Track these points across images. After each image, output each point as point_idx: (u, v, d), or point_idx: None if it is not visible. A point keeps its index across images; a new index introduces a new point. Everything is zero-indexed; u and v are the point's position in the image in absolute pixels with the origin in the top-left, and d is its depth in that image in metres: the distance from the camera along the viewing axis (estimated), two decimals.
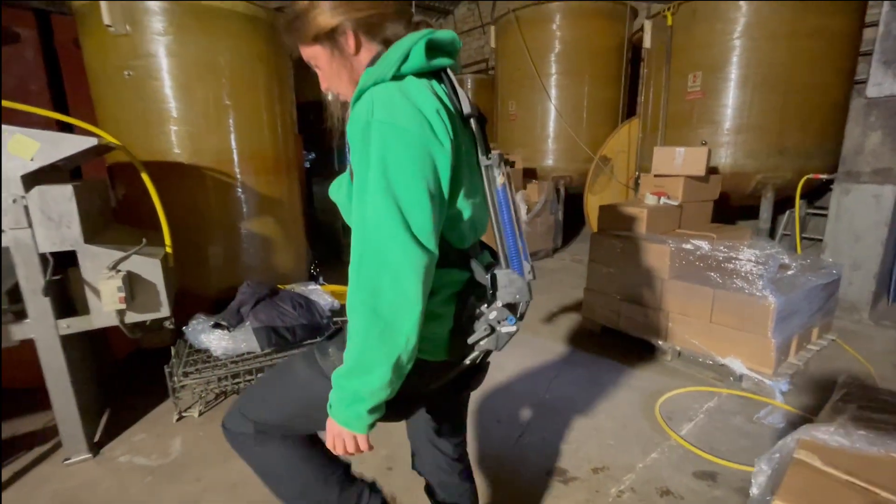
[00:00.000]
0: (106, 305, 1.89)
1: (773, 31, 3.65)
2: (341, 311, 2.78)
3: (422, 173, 0.75)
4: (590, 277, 3.19)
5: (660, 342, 2.75)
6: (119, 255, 1.95)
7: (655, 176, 3.22)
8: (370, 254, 0.74)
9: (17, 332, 1.86)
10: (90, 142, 1.89)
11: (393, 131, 0.75)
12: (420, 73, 0.83)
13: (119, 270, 1.92)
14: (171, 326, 2.29)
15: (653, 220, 2.80)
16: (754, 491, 0.93)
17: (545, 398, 2.43)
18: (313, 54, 0.91)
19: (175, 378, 2.21)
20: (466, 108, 0.85)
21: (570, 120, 5.44)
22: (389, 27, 0.88)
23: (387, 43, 0.87)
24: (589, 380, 2.61)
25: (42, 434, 2.20)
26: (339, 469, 1.13)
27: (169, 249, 2.26)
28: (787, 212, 4.04)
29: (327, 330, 2.59)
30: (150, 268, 2.03)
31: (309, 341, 2.46)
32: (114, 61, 2.80)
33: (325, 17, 0.85)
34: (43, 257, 1.82)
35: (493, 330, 0.86)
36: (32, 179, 1.80)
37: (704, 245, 2.50)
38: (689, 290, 2.59)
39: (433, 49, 0.84)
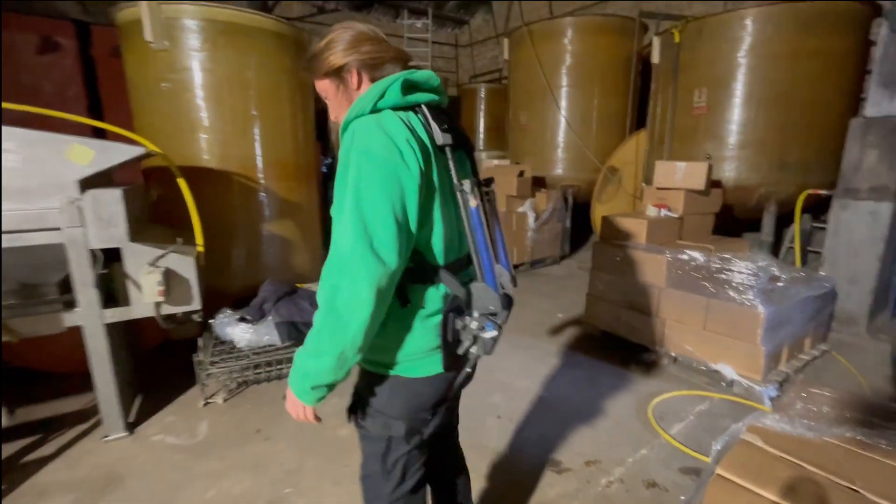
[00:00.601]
0: (146, 297, 2.10)
1: (776, 50, 3.77)
2: None
3: (388, 196, 0.87)
4: (591, 284, 3.33)
5: (656, 347, 2.88)
6: (158, 252, 2.16)
7: (657, 189, 3.36)
8: (336, 259, 0.88)
9: (68, 319, 2.07)
10: (139, 150, 2.11)
11: (367, 157, 0.88)
12: (398, 108, 0.96)
13: (158, 266, 2.13)
14: (199, 319, 2.50)
15: (652, 232, 2.94)
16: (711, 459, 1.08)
17: (544, 396, 2.58)
18: (324, 87, 1.08)
19: (203, 367, 2.41)
20: (439, 140, 0.96)
21: (579, 131, 5.58)
22: (388, 67, 1.04)
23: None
24: (587, 381, 2.75)
25: (81, 414, 2.42)
26: None
27: (201, 249, 2.47)
28: (791, 225, 4.14)
29: None
30: (184, 265, 2.24)
31: None
32: (153, 74, 3.04)
33: (336, 56, 1.02)
34: (93, 253, 2.04)
35: (475, 338, 0.97)
36: (86, 183, 2.02)
37: (699, 256, 2.63)
38: (684, 298, 2.72)
39: (411, 87, 0.99)
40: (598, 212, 5.56)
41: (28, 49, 4.85)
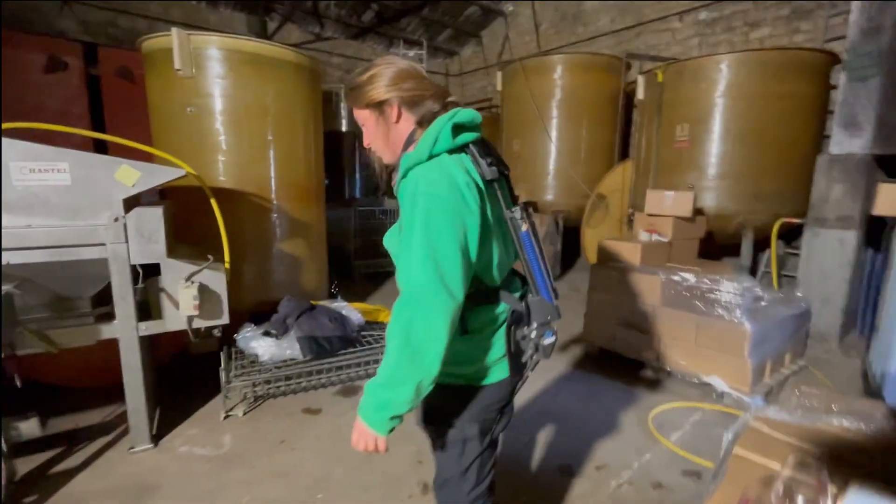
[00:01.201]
0: (184, 311, 2.20)
1: (750, 92, 4.17)
2: (368, 326, 3.10)
3: (455, 235, 0.96)
4: (589, 304, 3.54)
5: (652, 362, 3.09)
6: (194, 268, 2.27)
7: (648, 215, 3.63)
8: (411, 295, 0.95)
9: (106, 331, 2.15)
10: (179, 172, 2.24)
11: (434, 200, 0.97)
12: (451, 150, 1.06)
13: (193, 282, 2.24)
14: (218, 334, 2.60)
15: (646, 255, 3.19)
16: (723, 447, 1.26)
17: (550, 409, 2.74)
18: (364, 117, 1.15)
19: (227, 379, 2.49)
20: (488, 176, 1.06)
21: (569, 159, 5.91)
22: (428, 104, 1.11)
23: (423, 118, 1.11)
24: (588, 394, 2.92)
25: (102, 427, 2.46)
26: None
27: (227, 266, 2.59)
28: (767, 250, 4.47)
29: (358, 342, 2.90)
30: (216, 280, 2.36)
31: (343, 351, 2.77)
32: (178, 98, 3.19)
33: (379, 91, 1.09)
34: (134, 268, 2.14)
35: (536, 346, 1.12)
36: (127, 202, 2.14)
37: (691, 277, 2.88)
38: (677, 316, 2.95)
39: (458, 127, 1.07)
40: (587, 236, 5.85)
41: (33, 67, 4.93)
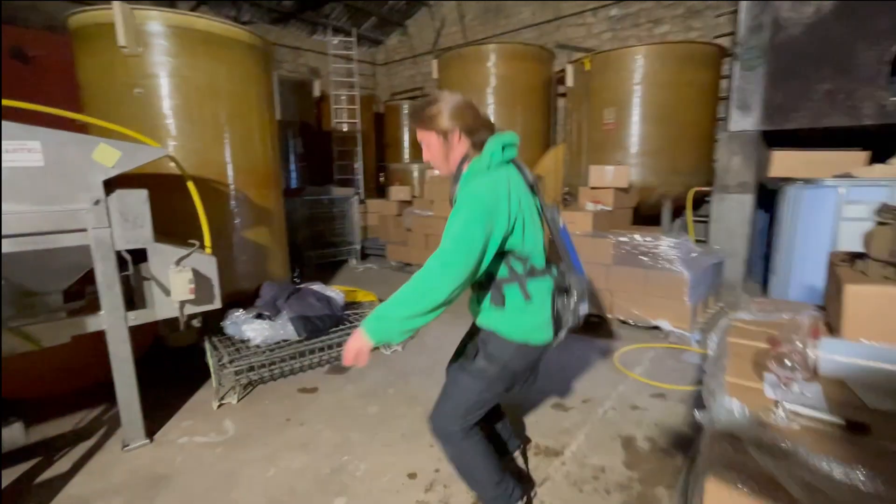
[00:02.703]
0: (177, 296, 2.12)
1: (662, 80, 4.79)
2: (351, 305, 3.15)
3: (483, 226, 1.27)
4: None
5: (607, 314, 3.52)
6: (182, 252, 2.19)
7: (591, 188, 4.07)
8: (439, 253, 1.26)
9: (92, 324, 2.01)
10: (161, 152, 2.14)
11: (476, 199, 1.30)
12: (501, 163, 1.41)
13: (185, 266, 2.16)
14: (199, 324, 2.52)
15: (596, 222, 3.60)
16: (712, 346, 1.60)
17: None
18: (428, 138, 1.45)
19: (222, 365, 2.43)
20: (530, 180, 1.45)
21: None
22: (481, 132, 1.44)
23: (476, 141, 1.42)
24: (559, 348, 3.25)
25: (76, 434, 2.27)
26: (500, 464, 1.59)
27: (209, 250, 2.50)
28: (677, 219, 5.20)
29: (346, 320, 2.95)
30: (207, 264, 2.29)
31: (333, 329, 2.81)
32: (121, 79, 2.94)
33: (446, 121, 1.40)
34: (119, 255, 2.01)
35: (575, 313, 1.44)
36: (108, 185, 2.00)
37: (638, 237, 3.33)
38: (627, 272, 3.39)
39: (505, 146, 1.42)
40: None
41: None
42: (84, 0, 5.95)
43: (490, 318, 1.45)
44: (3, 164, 1.75)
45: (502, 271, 1.42)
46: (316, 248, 5.80)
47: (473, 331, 1.61)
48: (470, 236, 1.25)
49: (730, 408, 0.94)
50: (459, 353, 1.67)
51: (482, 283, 1.46)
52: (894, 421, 0.95)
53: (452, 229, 1.27)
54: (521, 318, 1.41)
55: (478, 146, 1.42)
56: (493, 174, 1.36)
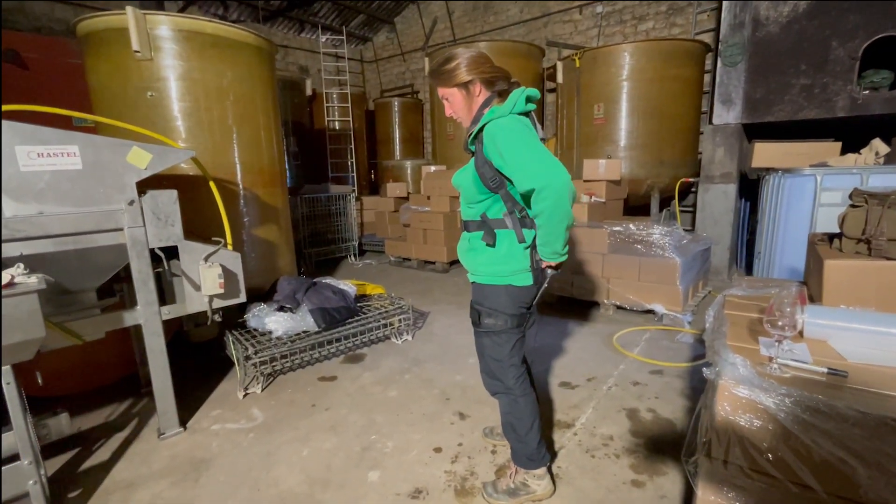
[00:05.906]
0: (208, 290, 2.23)
1: (648, 75, 5.00)
2: (362, 298, 3.28)
3: (536, 139, 1.39)
4: None
5: (604, 300, 3.72)
6: (210, 249, 2.30)
7: (584, 181, 4.25)
8: (540, 183, 1.31)
9: (129, 318, 2.11)
10: (189, 154, 2.24)
11: (514, 126, 1.39)
12: (520, 112, 1.49)
13: (213, 262, 2.27)
14: (220, 319, 2.63)
15: (592, 213, 3.78)
16: (709, 318, 1.78)
17: (535, 346, 3.21)
18: (450, 93, 1.52)
19: (246, 356, 2.55)
20: (541, 135, 1.50)
21: None
22: (499, 83, 1.52)
23: (498, 91, 1.52)
24: (560, 333, 3.45)
25: (109, 426, 2.38)
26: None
27: (230, 247, 2.60)
28: (665, 210, 5.44)
29: (360, 312, 3.09)
30: (232, 260, 2.40)
31: (349, 320, 2.95)
32: (134, 83, 3.02)
33: (465, 74, 1.48)
34: (153, 252, 2.12)
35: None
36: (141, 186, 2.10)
37: (632, 226, 3.52)
38: (622, 260, 3.59)
39: (528, 99, 1.50)
40: None
41: None
42: (73, 3, 5.92)
43: (478, 260, 1.56)
44: (45, 168, 1.85)
45: (497, 211, 1.51)
46: (315, 246, 5.89)
47: (471, 303, 1.70)
48: (538, 151, 1.33)
49: (734, 362, 1.11)
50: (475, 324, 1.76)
51: (479, 223, 1.56)
52: (866, 370, 1.14)
53: (519, 161, 1.34)
54: (506, 261, 1.51)
55: (500, 95, 1.49)
56: (515, 116, 1.43)
